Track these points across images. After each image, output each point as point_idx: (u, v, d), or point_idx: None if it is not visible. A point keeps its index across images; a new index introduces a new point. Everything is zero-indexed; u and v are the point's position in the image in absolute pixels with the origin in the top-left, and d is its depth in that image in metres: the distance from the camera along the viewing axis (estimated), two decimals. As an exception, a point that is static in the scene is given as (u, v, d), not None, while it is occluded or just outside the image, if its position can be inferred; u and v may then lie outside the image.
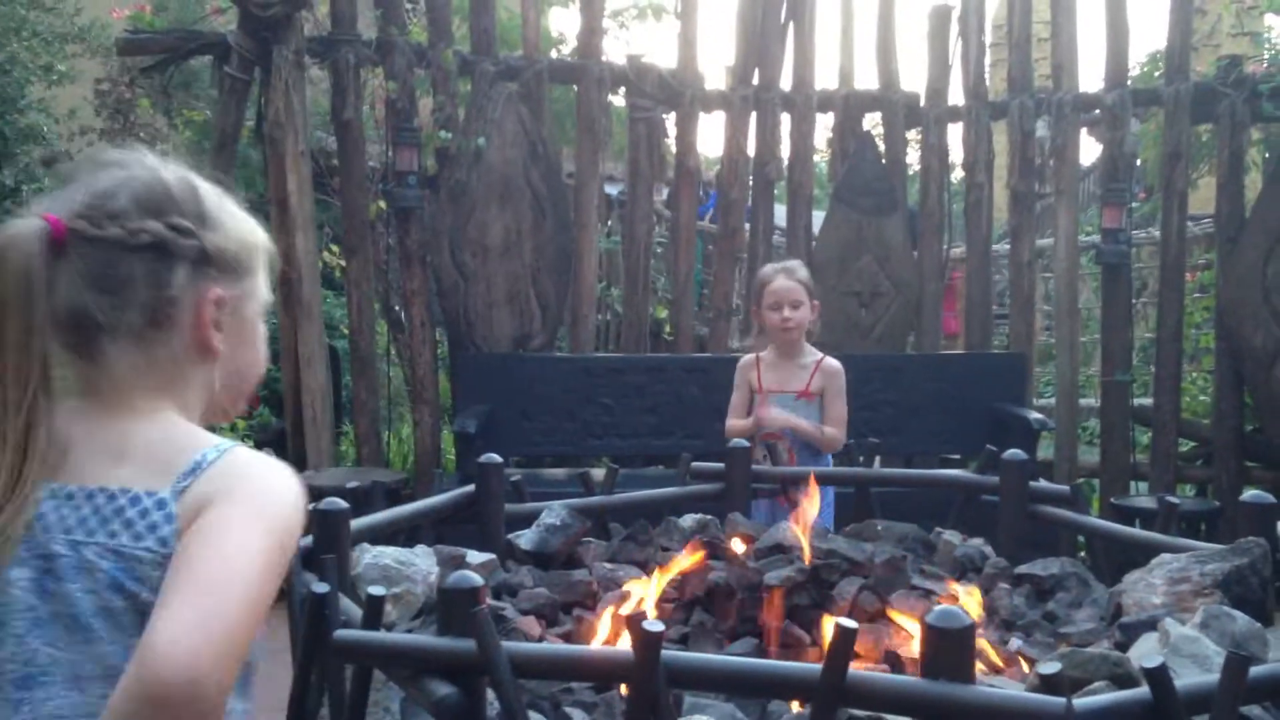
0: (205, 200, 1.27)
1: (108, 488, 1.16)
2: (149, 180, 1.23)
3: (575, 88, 6.02)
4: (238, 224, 1.30)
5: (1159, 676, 1.61)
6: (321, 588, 1.92)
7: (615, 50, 11.90)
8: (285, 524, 1.16)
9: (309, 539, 2.27)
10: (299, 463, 5.67)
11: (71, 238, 1.17)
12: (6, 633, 1.13)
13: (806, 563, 2.54)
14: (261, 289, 1.32)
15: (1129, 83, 6.07)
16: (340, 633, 1.85)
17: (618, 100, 6.25)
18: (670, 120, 6.05)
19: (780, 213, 6.63)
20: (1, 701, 1.13)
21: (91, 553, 1.13)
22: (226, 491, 1.14)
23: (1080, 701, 1.60)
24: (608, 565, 2.76)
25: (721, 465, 3.33)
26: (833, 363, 3.81)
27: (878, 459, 5.16)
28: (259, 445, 6.24)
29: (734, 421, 3.84)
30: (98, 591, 1.13)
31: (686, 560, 2.59)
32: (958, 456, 5.80)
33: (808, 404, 3.75)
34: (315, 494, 2.75)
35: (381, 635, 1.86)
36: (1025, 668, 2.22)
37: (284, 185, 5.45)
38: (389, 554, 2.45)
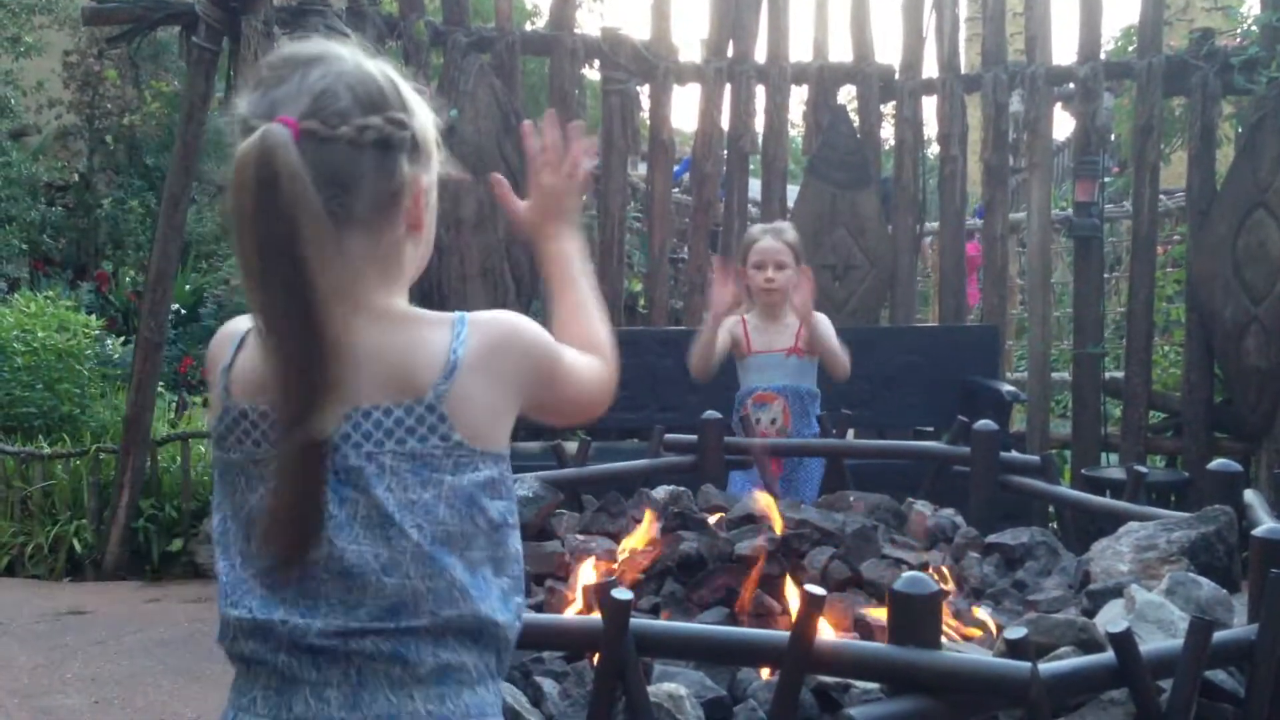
0: (405, 91, 1.33)
1: (381, 405, 1.23)
2: (362, 76, 1.28)
3: (548, 60, 5.98)
4: (425, 110, 1.37)
5: (1124, 641, 1.62)
6: (289, 559, 1.91)
7: (589, 22, 11.85)
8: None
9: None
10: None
11: (305, 139, 1.19)
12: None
13: (778, 532, 2.55)
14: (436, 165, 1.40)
15: (1102, 56, 6.09)
16: (308, 603, 1.84)
17: (592, 74, 6.22)
18: (644, 93, 6.03)
19: (755, 186, 6.62)
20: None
21: (389, 459, 1.23)
22: (501, 363, 1.31)
23: (1046, 666, 1.61)
24: (580, 537, 2.76)
25: (694, 437, 3.33)
26: (818, 314, 3.72)
27: (851, 431, 5.19)
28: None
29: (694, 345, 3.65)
30: (399, 490, 1.23)
31: (640, 537, 2.60)
32: (931, 429, 5.82)
33: (798, 360, 3.71)
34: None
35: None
36: (994, 634, 2.24)
37: (254, 157, 5.39)
38: (359, 526, 2.43)
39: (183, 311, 8.36)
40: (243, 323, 1.31)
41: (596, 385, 1.54)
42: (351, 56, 1.30)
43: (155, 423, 5.95)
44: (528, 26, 7.54)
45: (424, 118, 1.35)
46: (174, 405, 7.14)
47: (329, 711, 1.22)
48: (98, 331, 7.22)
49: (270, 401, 1.21)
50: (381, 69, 1.32)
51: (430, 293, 5.67)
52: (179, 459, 5.87)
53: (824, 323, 3.70)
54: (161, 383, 6.32)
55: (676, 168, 7.80)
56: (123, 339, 7.64)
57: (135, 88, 9.52)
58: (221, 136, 8.25)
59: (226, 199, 1.18)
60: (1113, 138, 6.75)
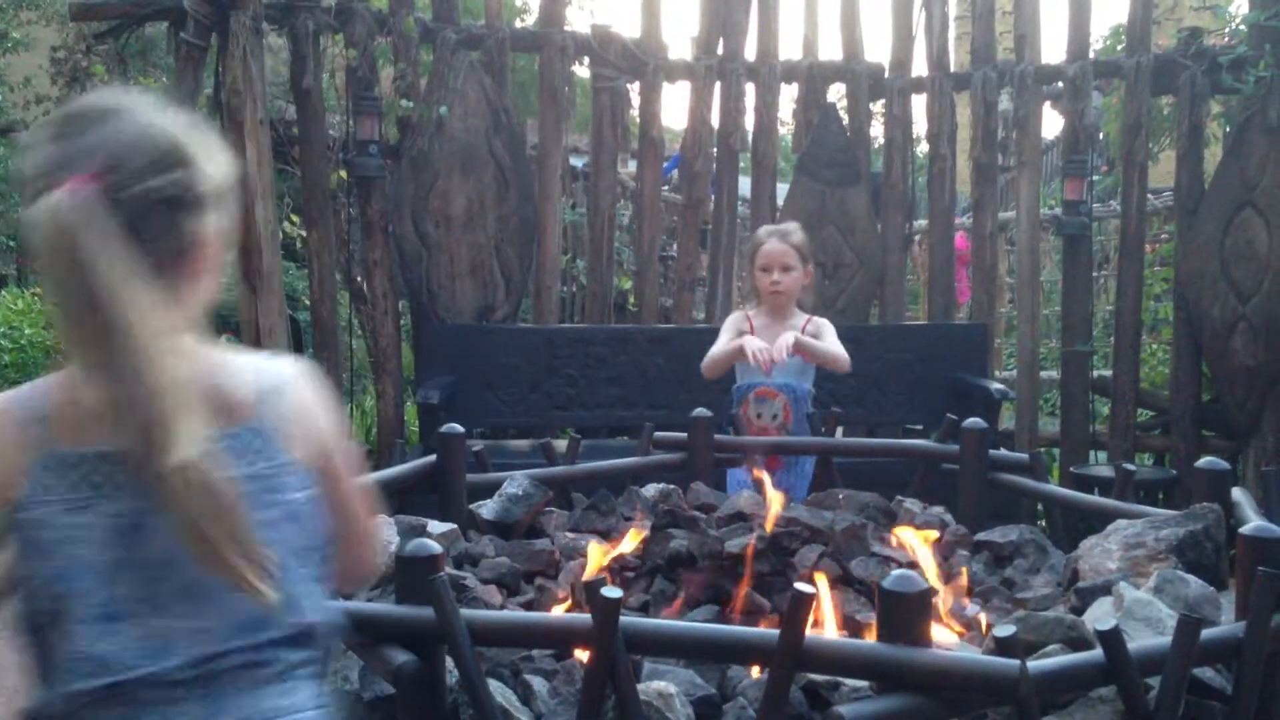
0: (202, 145, 1.38)
1: (212, 431, 1.27)
2: (155, 134, 1.32)
3: (538, 57, 5.97)
4: (221, 161, 1.41)
5: (1112, 639, 1.62)
6: (278, 557, 1.90)
7: (579, 19, 11.84)
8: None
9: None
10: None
11: (100, 196, 1.24)
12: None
13: (767, 531, 2.55)
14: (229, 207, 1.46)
15: (1091, 55, 6.10)
16: (297, 602, 1.83)
17: (582, 71, 6.20)
18: (634, 90, 6.02)
19: (745, 184, 6.62)
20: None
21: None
22: (315, 420, 1.42)
23: (1035, 664, 1.62)
24: (570, 535, 2.76)
25: (684, 435, 3.33)
26: (821, 319, 3.87)
27: (840, 429, 5.20)
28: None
29: (716, 348, 3.73)
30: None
31: (629, 542, 2.60)
32: (920, 427, 5.83)
33: (800, 360, 3.73)
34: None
35: (339, 604, 1.84)
36: (983, 632, 2.24)
37: (242, 154, 5.37)
38: (348, 524, 2.43)
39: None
40: (16, 401, 1.33)
41: (372, 525, 1.59)
42: (146, 112, 1.33)
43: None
44: (518, 23, 7.52)
45: (215, 169, 1.39)
46: (162, 403, 7.11)
47: None
48: (86, 329, 7.18)
49: (116, 441, 1.23)
50: (175, 123, 1.35)
51: (419, 291, 5.66)
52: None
53: (827, 330, 3.80)
54: (149, 380, 6.28)
55: (665, 163, 7.80)
56: (110, 336, 7.60)
57: (123, 84, 9.48)
58: (211, 132, 8.22)
59: (34, 255, 1.23)
60: (1101, 136, 6.77)
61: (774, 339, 3.68)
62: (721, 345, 3.72)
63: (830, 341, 3.73)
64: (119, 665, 1.24)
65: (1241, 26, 6.14)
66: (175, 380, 1.23)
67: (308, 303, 6.07)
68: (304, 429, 1.40)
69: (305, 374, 1.45)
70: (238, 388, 1.36)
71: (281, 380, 1.40)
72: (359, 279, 6.35)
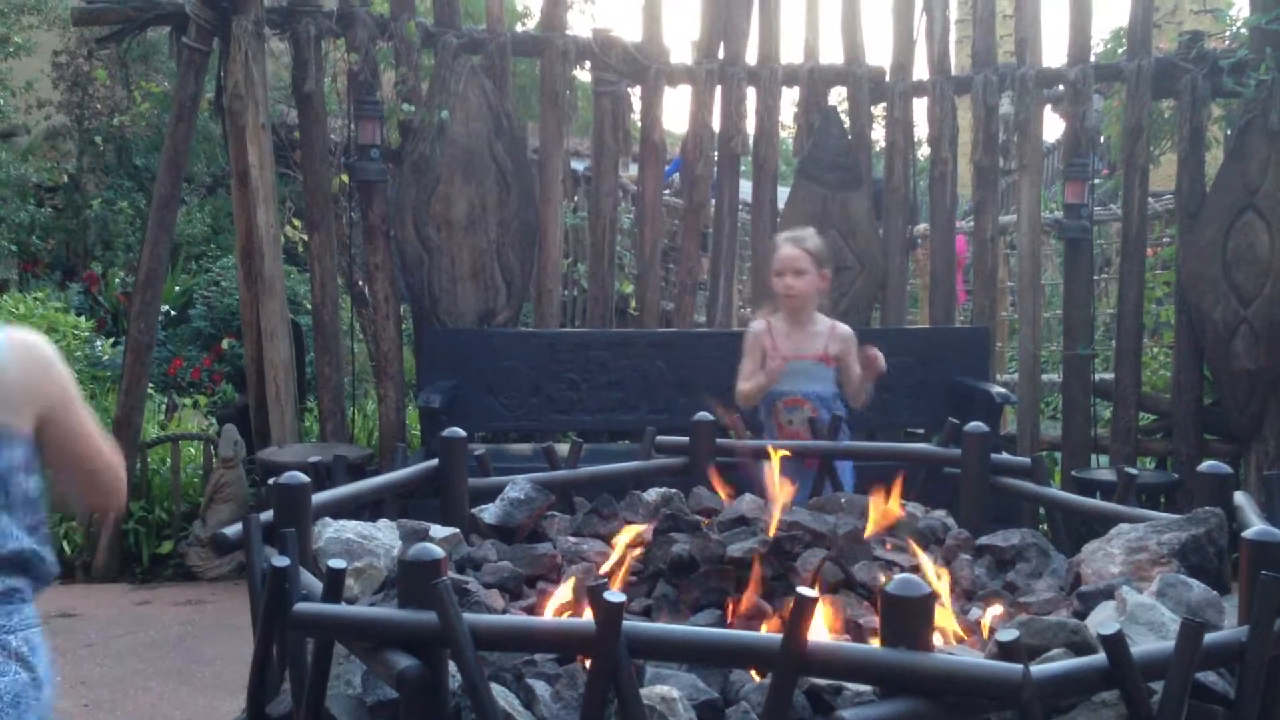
0: None
1: None
2: None
3: (539, 61, 5.97)
4: None
5: (1115, 643, 1.62)
6: (282, 561, 1.90)
7: (580, 24, 11.85)
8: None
9: (269, 514, 2.26)
10: (262, 439, 5.63)
11: None
12: None
13: (770, 535, 2.54)
14: None
15: (1092, 58, 6.11)
16: (300, 606, 1.83)
17: (583, 75, 6.21)
18: (635, 94, 6.03)
19: (746, 188, 6.62)
20: None
21: None
22: (35, 388, 1.82)
23: (1038, 668, 1.62)
24: (572, 539, 2.76)
25: (686, 439, 3.33)
26: (844, 328, 3.94)
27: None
28: (221, 421, 6.20)
29: (746, 383, 3.83)
30: None
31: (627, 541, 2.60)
32: (921, 431, 5.83)
33: (825, 368, 3.83)
34: (278, 469, 2.74)
35: (342, 608, 1.85)
36: (985, 636, 2.24)
37: (244, 158, 5.39)
38: (351, 528, 2.43)
39: (172, 313, 8.33)
40: None
41: (113, 459, 1.95)
42: None
43: (145, 425, 5.93)
44: (519, 28, 7.53)
45: None
46: (164, 407, 7.12)
47: None
48: (87, 333, 7.20)
49: None
50: None
51: (420, 295, 5.67)
52: (168, 461, 5.85)
53: (852, 343, 3.90)
54: (151, 384, 6.31)
55: (667, 167, 7.81)
56: (112, 340, 7.61)
57: (125, 88, 9.49)
58: (211, 136, 8.23)
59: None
60: (1102, 140, 6.77)
61: (800, 343, 3.83)
62: (755, 379, 3.80)
63: (851, 359, 3.87)
64: None
65: (1242, 30, 6.14)
66: None
67: (309, 307, 6.08)
68: (23, 397, 1.78)
69: (28, 345, 1.82)
70: None
71: (11, 349, 1.77)
72: (360, 283, 6.36)
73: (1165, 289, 7.08)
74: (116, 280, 9.14)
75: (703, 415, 3.37)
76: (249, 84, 5.26)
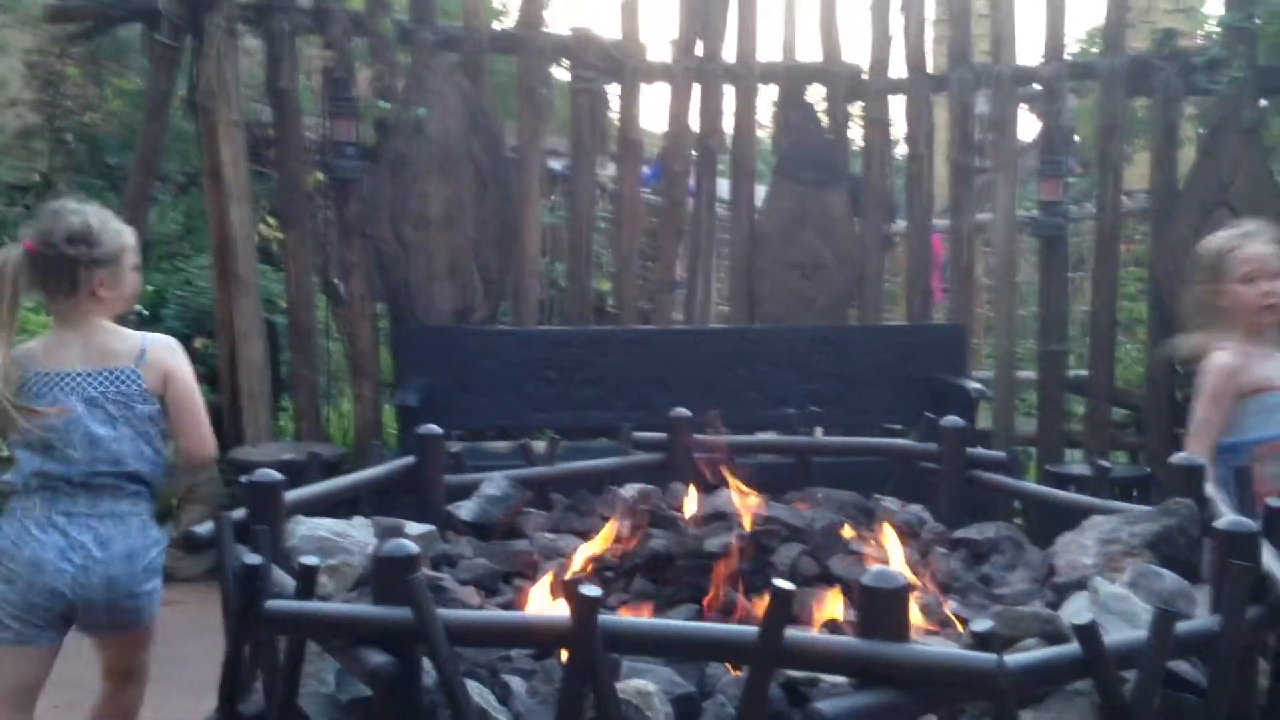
0: (98, 228, 2.77)
1: (100, 370, 2.74)
2: (70, 222, 2.74)
3: (517, 59, 5.96)
4: (111, 236, 2.79)
5: (1088, 633, 1.63)
6: (254, 559, 1.89)
7: (558, 21, 11.82)
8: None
9: (242, 512, 2.24)
10: (236, 438, 5.59)
11: (35, 252, 2.72)
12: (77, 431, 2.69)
13: (746, 529, 2.55)
14: (128, 260, 2.85)
15: (1067, 57, 6.14)
16: (272, 603, 1.82)
17: (560, 73, 6.20)
18: (613, 92, 6.02)
19: (724, 186, 6.63)
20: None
21: (111, 395, 2.73)
22: (165, 366, 2.81)
23: (1012, 658, 1.62)
24: (549, 535, 2.75)
25: (663, 436, 3.32)
26: None
27: (819, 429, 5.21)
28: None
29: (1207, 436, 2.94)
30: (114, 406, 2.74)
31: (606, 536, 2.60)
32: (899, 426, 5.85)
33: None
34: (251, 468, 2.73)
35: (315, 605, 1.84)
36: (960, 629, 2.24)
37: (217, 156, 5.35)
38: (325, 526, 2.42)
39: (145, 313, 8.26)
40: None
41: (206, 429, 2.88)
42: (75, 211, 2.77)
43: (118, 424, 5.87)
44: (496, 25, 7.49)
45: (109, 243, 2.77)
46: (138, 407, 7.05)
47: (79, 507, 2.69)
48: (60, 333, 7.10)
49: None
50: (89, 218, 2.76)
51: (397, 293, 5.64)
52: (142, 461, 5.80)
53: None
54: (125, 384, 6.24)
55: (647, 172, 7.81)
56: (85, 340, 7.52)
57: (97, 86, 9.41)
58: (184, 134, 8.17)
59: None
60: (1077, 138, 6.81)
61: (1270, 373, 2.95)
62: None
63: None
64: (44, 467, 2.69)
65: (1215, 28, 6.19)
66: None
67: (284, 305, 6.04)
68: (156, 371, 2.77)
69: (169, 344, 2.86)
70: (121, 348, 2.77)
71: (147, 344, 2.80)
72: (336, 281, 6.32)
73: (1139, 286, 7.13)
74: (90, 280, 9.03)
75: (680, 411, 3.37)
76: (222, 81, 5.23)
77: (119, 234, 2.79)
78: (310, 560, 1.87)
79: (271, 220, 6.69)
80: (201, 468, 3.09)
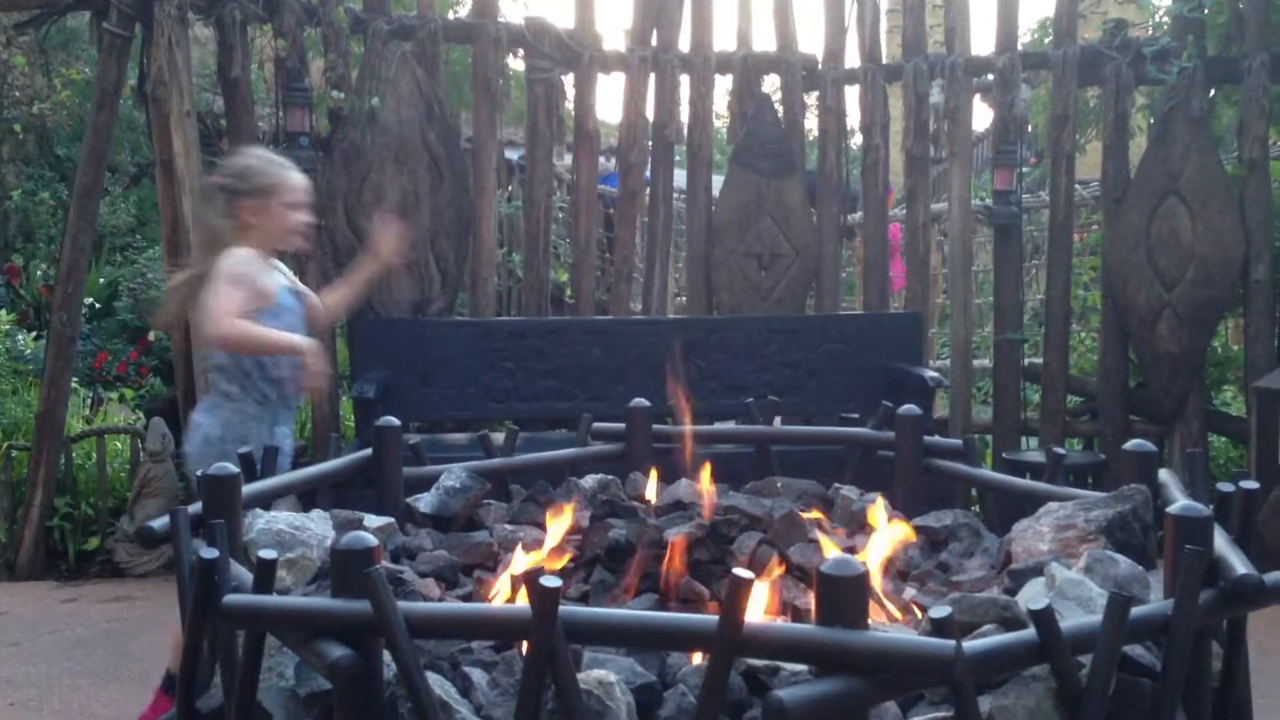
0: (253, 168, 3.38)
1: None
2: (237, 162, 3.43)
3: (472, 48, 5.92)
4: (261, 175, 3.37)
5: (1045, 618, 1.65)
6: (210, 553, 1.87)
7: (513, 10, 11.75)
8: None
9: (198, 506, 2.21)
10: (191, 432, 5.53)
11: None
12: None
13: (706, 518, 2.55)
14: (281, 196, 3.38)
15: (1019, 47, 6.19)
16: (230, 598, 1.80)
17: (516, 63, 6.16)
18: (569, 82, 6.00)
19: (680, 176, 6.63)
20: None
21: None
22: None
23: (970, 644, 1.64)
24: (509, 527, 2.75)
25: (622, 426, 3.32)
26: None
27: (777, 418, 5.22)
28: (149, 414, 6.08)
29: None
30: None
31: (559, 524, 2.59)
32: (856, 415, 5.87)
33: None
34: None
35: (273, 599, 1.82)
36: (919, 615, 2.26)
37: (169, 147, 5.27)
38: (283, 519, 2.39)
39: (96, 305, 8.15)
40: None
41: (221, 317, 3.20)
42: (247, 154, 3.48)
43: (69, 419, 5.80)
44: (450, 14, 7.43)
45: (258, 179, 3.36)
46: (88, 401, 6.96)
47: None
48: (8, 326, 7.02)
49: None
50: (249, 159, 3.44)
51: (354, 284, 5.58)
52: (94, 455, 5.73)
53: None
54: (75, 378, 6.17)
55: (603, 176, 7.78)
56: (34, 334, 7.43)
57: (45, 76, 9.25)
58: (135, 125, 8.00)
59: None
60: (1030, 128, 6.87)
61: None
62: None
63: None
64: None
65: (1165, 18, 6.27)
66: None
67: (239, 298, 5.96)
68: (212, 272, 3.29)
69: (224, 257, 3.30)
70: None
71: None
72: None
73: (1092, 274, 7.22)
74: (38, 273, 8.91)
75: (639, 402, 3.37)
76: (173, 70, 5.15)
77: (266, 173, 3.36)
78: (268, 554, 1.85)
79: (224, 211, 6.57)
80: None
